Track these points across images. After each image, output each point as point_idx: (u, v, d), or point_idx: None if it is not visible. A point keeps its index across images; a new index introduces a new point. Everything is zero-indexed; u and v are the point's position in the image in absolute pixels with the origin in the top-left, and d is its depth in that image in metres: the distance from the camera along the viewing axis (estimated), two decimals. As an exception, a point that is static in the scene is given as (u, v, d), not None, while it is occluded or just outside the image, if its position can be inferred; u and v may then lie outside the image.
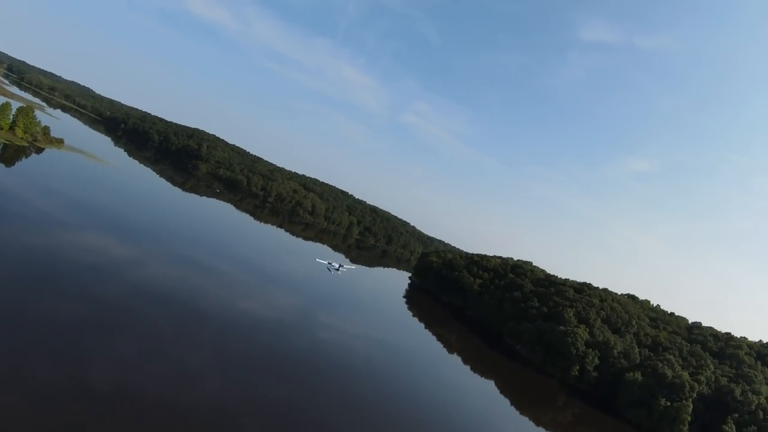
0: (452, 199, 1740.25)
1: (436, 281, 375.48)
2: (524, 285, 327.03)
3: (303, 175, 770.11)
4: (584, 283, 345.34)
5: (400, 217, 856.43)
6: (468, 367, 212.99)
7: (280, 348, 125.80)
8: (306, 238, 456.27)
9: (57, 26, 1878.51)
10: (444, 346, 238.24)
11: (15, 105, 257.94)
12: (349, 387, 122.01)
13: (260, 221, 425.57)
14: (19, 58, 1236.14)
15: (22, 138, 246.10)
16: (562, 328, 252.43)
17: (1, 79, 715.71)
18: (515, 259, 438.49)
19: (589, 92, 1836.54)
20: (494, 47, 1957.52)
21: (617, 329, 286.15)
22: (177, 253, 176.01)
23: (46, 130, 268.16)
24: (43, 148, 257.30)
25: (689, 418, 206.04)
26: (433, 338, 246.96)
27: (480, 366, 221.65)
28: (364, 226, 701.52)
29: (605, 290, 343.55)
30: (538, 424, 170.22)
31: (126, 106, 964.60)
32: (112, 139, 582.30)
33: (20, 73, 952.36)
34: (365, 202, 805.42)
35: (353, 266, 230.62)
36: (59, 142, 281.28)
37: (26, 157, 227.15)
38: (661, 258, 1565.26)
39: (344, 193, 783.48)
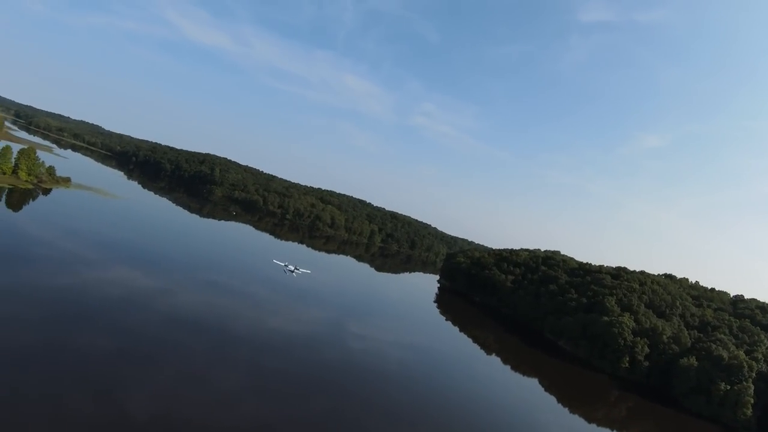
0: (470, 196, 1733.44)
1: (466, 282, 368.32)
2: (559, 277, 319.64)
3: (319, 189, 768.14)
4: (620, 268, 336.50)
5: (420, 220, 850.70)
6: (508, 367, 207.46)
7: (314, 362, 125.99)
8: (328, 252, 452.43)
9: (60, 69, 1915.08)
10: (481, 348, 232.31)
11: (17, 148, 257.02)
12: (387, 393, 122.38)
13: (281, 239, 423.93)
14: (26, 104, 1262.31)
15: (26, 180, 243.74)
16: (606, 318, 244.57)
17: (8, 125, 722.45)
18: (543, 250, 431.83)
19: (595, 74, 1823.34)
20: (494, 39, 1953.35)
21: (662, 313, 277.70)
22: (202, 279, 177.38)
23: (51, 171, 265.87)
24: (50, 189, 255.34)
25: (752, 400, 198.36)
26: (469, 340, 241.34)
27: (522, 365, 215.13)
28: (385, 233, 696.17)
29: (642, 273, 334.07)
30: (590, 421, 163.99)
31: (136, 139, 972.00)
32: (124, 173, 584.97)
33: (28, 117, 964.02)
34: (384, 208, 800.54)
35: (308, 270, 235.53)
36: (66, 181, 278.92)
37: (33, 199, 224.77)
38: (686, 233, 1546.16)
39: (362, 202, 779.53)
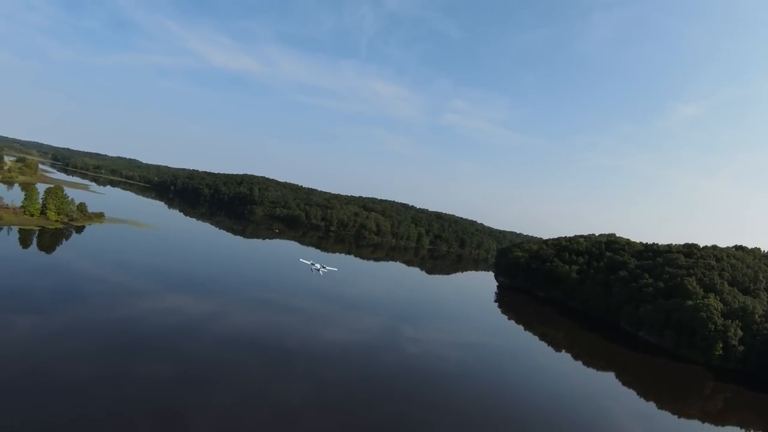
0: (510, 188, 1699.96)
1: (526, 277, 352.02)
2: (627, 261, 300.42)
3: (360, 197, 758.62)
4: (691, 245, 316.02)
5: (465, 217, 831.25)
6: (580, 363, 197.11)
7: (373, 369, 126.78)
8: (377, 260, 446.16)
9: (95, 110, 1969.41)
10: (549, 345, 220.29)
11: (43, 188, 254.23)
12: (451, 393, 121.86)
13: (327, 251, 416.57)
14: (63, 147, 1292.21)
15: (56, 220, 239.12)
16: (690, 302, 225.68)
17: (45, 168, 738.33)
18: (597, 234, 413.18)
19: (622, 49, 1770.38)
20: (516, 27, 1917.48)
21: (746, 289, 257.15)
22: (253, 298, 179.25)
23: (82, 207, 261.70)
24: (83, 226, 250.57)
25: None
26: (535, 338, 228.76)
27: (597, 360, 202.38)
28: (433, 235, 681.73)
29: (714, 247, 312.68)
30: (682, 416, 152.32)
31: (173, 168, 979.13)
32: (165, 203, 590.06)
33: (65, 159, 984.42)
34: (427, 210, 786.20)
35: (334, 268, 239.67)
36: (99, 216, 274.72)
37: (66, 239, 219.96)
38: (729, 200, 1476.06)
39: (405, 206, 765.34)
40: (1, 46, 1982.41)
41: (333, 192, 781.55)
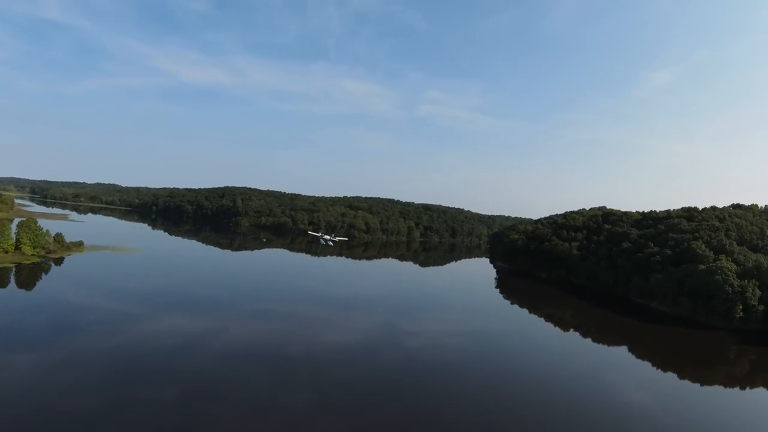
0: (494, 173, 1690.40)
1: (527, 259, 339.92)
2: (629, 232, 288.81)
3: (345, 197, 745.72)
4: (691, 209, 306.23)
5: (453, 206, 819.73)
6: (591, 340, 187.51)
7: (376, 367, 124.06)
8: (369, 258, 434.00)
9: (68, 138, 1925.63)
10: (557, 325, 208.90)
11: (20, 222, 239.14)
12: (457, 382, 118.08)
13: (318, 255, 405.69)
14: (41, 179, 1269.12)
15: (32, 254, 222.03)
16: (702, 266, 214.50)
17: (23, 202, 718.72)
18: (587, 209, 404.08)
19: (588, 22, 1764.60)
20: (481, 13, 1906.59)
21: (755, 246, 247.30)
22: (249, 309, 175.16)
23: (59, 238, 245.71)
24: (62, 258, 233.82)
25: None
26: (541, 320, 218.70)
27: (610, 336, 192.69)
28: (423, 227, 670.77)
29: (714, 208, 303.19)
30: (705, 384, 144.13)
31: (153, 188, 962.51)
32: (148, 224, 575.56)
33: (43, 191, 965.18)
34: (414, 203, 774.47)
35: (344, 238, 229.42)
36: (78, 245, 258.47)
37: (46, 273, 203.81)
38: (711, 161, 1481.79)
39: (392, 201, 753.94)
40: None
41: (318, 195, 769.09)
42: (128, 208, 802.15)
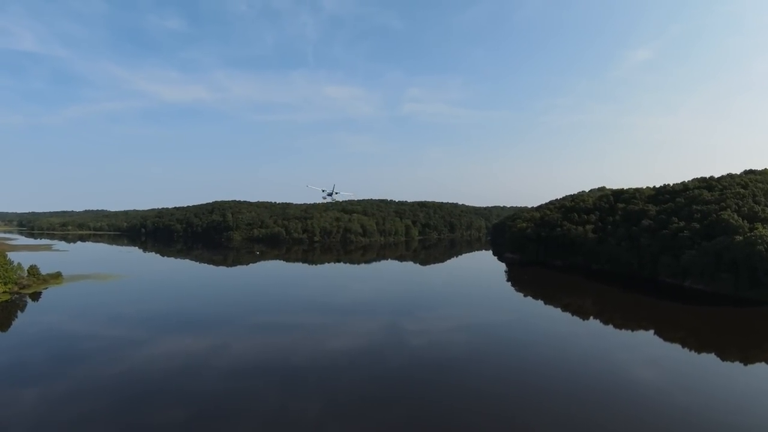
0: (482, 164, 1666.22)
1: (538, 247, 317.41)
2: (647, 209, 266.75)
3: (337, 201, 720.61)
4: (709, 178, 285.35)
5: (447, 202, 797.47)
6: (616, 326, 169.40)
7: (383, 370, 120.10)
8: (368, 261, 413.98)
9: (53, 169, 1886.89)
10: (576, 314, 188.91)
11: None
12: (468, 380, 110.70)
13: (315, 263, 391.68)
14: (27, 212, 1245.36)
15: (3, 291, 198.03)
16: (739, 237, 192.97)
17: (5, 236, 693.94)
18: (587, 191, 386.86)
19: (561, 7, 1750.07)
20: (455, 7, 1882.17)
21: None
22: (250, 325, 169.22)
23: (34, 270, 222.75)
24: (39, 291, 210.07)
25: None
26: (558, 311, 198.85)
27: (639, 321, 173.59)
28: (421, 225, 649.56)
29: (730, 176, 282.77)
30: (749, 363, 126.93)
31: (141, 210, 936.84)
32: (138, 247, 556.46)
33: (30, 223, 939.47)
34: (407, 201, 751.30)
35: (349, 192, 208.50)
36: (56, 277, 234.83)
37: (21, 310, 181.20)
38: (696, 132, 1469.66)
39: (385, 201, 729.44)
40: None
41: (309, 202, 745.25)
42: (117, 233, 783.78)
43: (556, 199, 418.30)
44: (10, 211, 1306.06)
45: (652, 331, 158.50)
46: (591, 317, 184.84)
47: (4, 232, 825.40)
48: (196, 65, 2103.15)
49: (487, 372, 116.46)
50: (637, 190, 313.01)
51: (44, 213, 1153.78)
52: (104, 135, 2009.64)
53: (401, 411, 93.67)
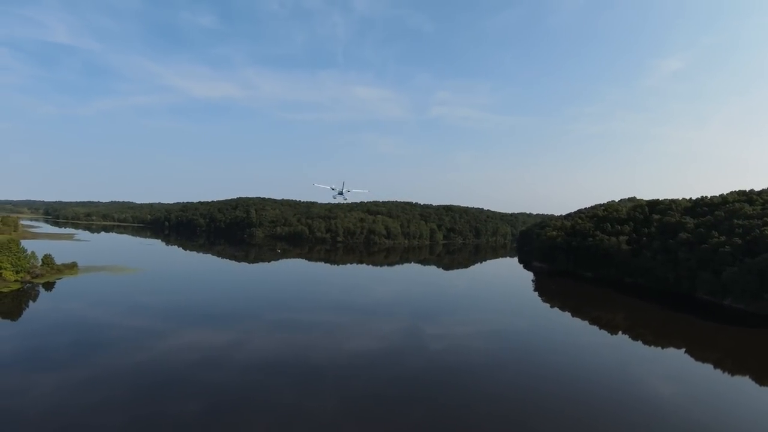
0: (507, 170, 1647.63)
1: (568, 257, 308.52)
2: (684, 222, 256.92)
3: (362, 202, 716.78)
4: (749, 192, 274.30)
5: (473, 206, 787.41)
6: (645, 343, 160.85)
7: (402, 372, 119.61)
8: (391, 264, 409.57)
9: (82, 159, 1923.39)
10: (604, 328, 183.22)
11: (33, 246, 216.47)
12: (486, 390, 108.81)
13: (337, 264, 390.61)
14: (55, 200, 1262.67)
15: (15, 280, 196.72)
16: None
17: (31, 223, 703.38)
18: (617, 200, 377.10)
19: (594, 14, 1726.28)
20: (487, 11, 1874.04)
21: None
22: (271, 321, 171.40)
23: (48, 260, 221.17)
24: (53, 282, 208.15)
25: None
26: (585, 323, 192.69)
27: (672, 340, 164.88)
28: (446, 229, 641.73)
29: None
30: None
31: (166, 204, 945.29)
32: (161, 240, 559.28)
33: (56, 212, 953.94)
34: (433, 204, 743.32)
35: (363, 190, 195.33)
36: (71, 267, 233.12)
37: (33, 300, 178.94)
38: (728, 145, 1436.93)
39: (410, 204, 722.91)
40: None
41: (334, 202, 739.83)
42: (141, 225, 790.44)
43: (586, 208, 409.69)
44: (37, 199, 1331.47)
45: (683, 350, 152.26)
46: (620, 332, 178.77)
47: (30, 219, 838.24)
48: (227, 62, 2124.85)
49: (505, 378, 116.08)
50: (672, 201, 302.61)
51: (71, 203, 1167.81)
52: (133, 128, 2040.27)
53: (418, 413, 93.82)
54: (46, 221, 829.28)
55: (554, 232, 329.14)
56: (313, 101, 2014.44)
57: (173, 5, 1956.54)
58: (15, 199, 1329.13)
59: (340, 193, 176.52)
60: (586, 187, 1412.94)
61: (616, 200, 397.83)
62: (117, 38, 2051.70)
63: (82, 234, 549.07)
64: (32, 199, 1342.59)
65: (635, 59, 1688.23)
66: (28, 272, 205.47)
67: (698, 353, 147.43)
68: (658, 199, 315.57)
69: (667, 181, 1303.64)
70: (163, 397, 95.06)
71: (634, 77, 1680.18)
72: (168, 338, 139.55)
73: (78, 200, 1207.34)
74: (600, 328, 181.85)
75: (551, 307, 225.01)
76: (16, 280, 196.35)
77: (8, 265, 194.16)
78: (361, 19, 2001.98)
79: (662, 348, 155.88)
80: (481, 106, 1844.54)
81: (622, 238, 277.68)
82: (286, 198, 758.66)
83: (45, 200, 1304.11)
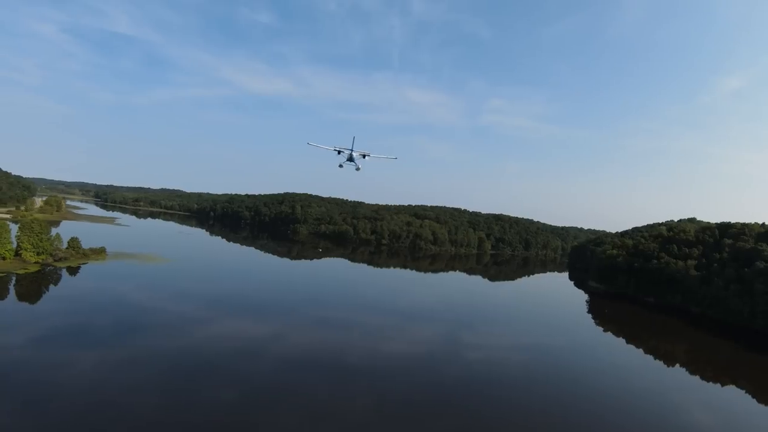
0: (557, 183, 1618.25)
1: (628, 279, 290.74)
2: (761, 249, 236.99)
3: (410, 205, 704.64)
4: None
5: (521, 217, 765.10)
6: (708, 380, 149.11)
7: (436, 379, 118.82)
8: (435, 271, 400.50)
9: (137, 146, 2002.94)
10: (660, 359, 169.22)
11: (72, 226, 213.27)
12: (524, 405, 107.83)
13: (380, 267, 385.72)
14: (107, 184, 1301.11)
15: (35, 262, 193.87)
16: None
17: (78, 204, 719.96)
18: (675, 220, 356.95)
19: (655, 27, 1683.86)
20: (545, 19, 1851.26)
21: None
22: (310, 317, 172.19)
23: (75, 243, 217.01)
24: (77, 266, 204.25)
25: None
26: (639, 352, 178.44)
27: (746, 382, 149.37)
28: (494, 238, 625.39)
29: None
30: None
31: (214, 194, 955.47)
32: (206, 230, 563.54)
33: (105, 195, 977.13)
34: (481, 212, 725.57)
35: (395, 156, 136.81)
36: (99, 252, 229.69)
37: (55, 283, 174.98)
38: None
39: (459, 210, 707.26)
40: (43, 93, 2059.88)
41: (381, 203, 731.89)
42: (187, 213, 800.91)
43: (643, 226, 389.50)
44: (90, 182, 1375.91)
45: (748, 395, 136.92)
46: (677, 365, 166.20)
47: (80, 201, 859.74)
48: (283, 59, 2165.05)
49: (542, 395, 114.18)
50: (745, 225, 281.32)
51: (122, 187, 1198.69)
52: (188, 119, 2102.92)
53: (449, 421, 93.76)
54: (96, 203, 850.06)
55: (614, 251, 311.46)
56: (366, 102, 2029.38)
57: (233, 0, 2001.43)
58: (68, 180, 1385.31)
59: (351, 160, 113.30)
60: (638, 205, 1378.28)
61: (675, 220, 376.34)
62: (177, 30, 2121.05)
63: (125, 219, 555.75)
64: (85, 181, 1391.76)
65: (694, 75, 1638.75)
66: (51, 254, 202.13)
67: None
68: (729, 222, 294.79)
69: (728, 203, 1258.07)
70: (197, 380, 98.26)
71: (693, 94, 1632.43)
72: (205, 326, 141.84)
73: (129, 185, 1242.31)
74: (655, 358, 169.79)
75: (605, 330, 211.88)
76: (36, 262, 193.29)
77: (29, 246, 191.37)
78: (419, 22, 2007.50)
79: (721, 385, 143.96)
80: (534, 116, 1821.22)
81: (690, 262, 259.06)
82: (333, 196, 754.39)
83: (97, 183, 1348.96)
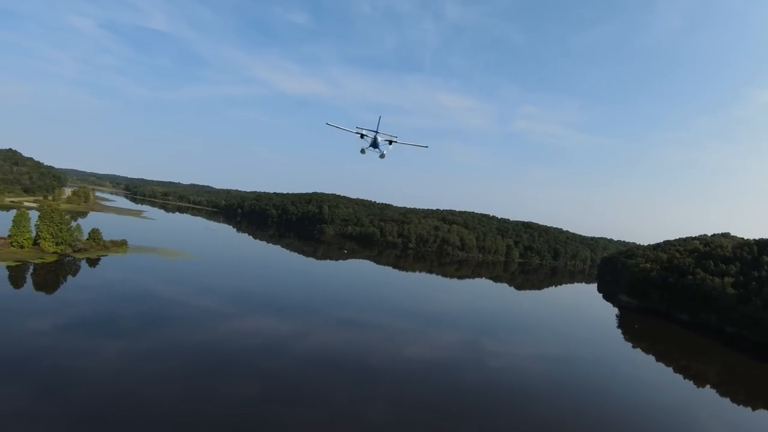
0: (585, 192, 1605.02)
1: (662, 294, 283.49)
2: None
3: (438, 210, 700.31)
4: None
5: (551, 225, 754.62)
6: (734, 402, 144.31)
7: (456, 385, 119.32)
8: (461, 277, 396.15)
9: (169, 141, 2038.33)
10: (690, 379, 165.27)
11: (96, 217, 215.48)
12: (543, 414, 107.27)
13: (405, 270, 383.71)
14: (137, 177, 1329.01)
15: (54, 252, 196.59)
16: None
17: (107, 196, 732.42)
18: (709, 234, 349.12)
19: (688, 37, 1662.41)
20: (579, 26, 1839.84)
21: None
22: (333, 317, 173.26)
23: (95, 234, 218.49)
24: (97, 258, 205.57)
25: None
26: (669, 370, 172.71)
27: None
28: (523, 246, 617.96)
29: None
30: None
31: (242, 191, 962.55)
32: (233, 226, 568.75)
33: (134, 188, 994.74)
34: (510, 219, 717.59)
35: (423, 144, 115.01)
36: (120, 245, 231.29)
37: (73, 274, 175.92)
38: None
39: (487, 216, 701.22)
40: (80, 87, 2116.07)
41: (409, 207, 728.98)
42: (214, 209, 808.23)
43: (675, 240, 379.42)
44: (121, 174, 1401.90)
45: None
46: (707, 385, 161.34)
47: (110, 193, 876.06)
48: (316, 60, 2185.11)
49: (563, 406, 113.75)
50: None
51: (152, 181, 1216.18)
52: (220, 116, 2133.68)
53: (468, 428, 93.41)
54: (125, 196, 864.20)
55: (648, 264, 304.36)
56: (396, 104, 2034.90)
57: (268, 0, 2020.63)
58: (100, 172, 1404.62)
59: (374, 146, 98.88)
60: (667, 217, 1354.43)
61: (709, 234, 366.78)
62: (211, 28, 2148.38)
63: (153, 212, 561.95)
64: (116, 174, 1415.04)
65: (727, 86, 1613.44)
66: (70, 245, 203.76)
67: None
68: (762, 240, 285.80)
69: (764, 218, 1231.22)
70: (219, 375, 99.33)
71: (726, 106, 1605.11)
72: (229, 322, 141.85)
73: (159, 179, 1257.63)
74: (685, 378, 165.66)
75: (634, 346, 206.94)
76: (54, 252, 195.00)
77: (47, 236, 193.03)
78: (452, 26, 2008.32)
79: (753, 410, 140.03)
80: (566, 123, 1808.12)
81: (728, 279, 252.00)
82: (361, 197, 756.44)
83: (128, 176, 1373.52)
